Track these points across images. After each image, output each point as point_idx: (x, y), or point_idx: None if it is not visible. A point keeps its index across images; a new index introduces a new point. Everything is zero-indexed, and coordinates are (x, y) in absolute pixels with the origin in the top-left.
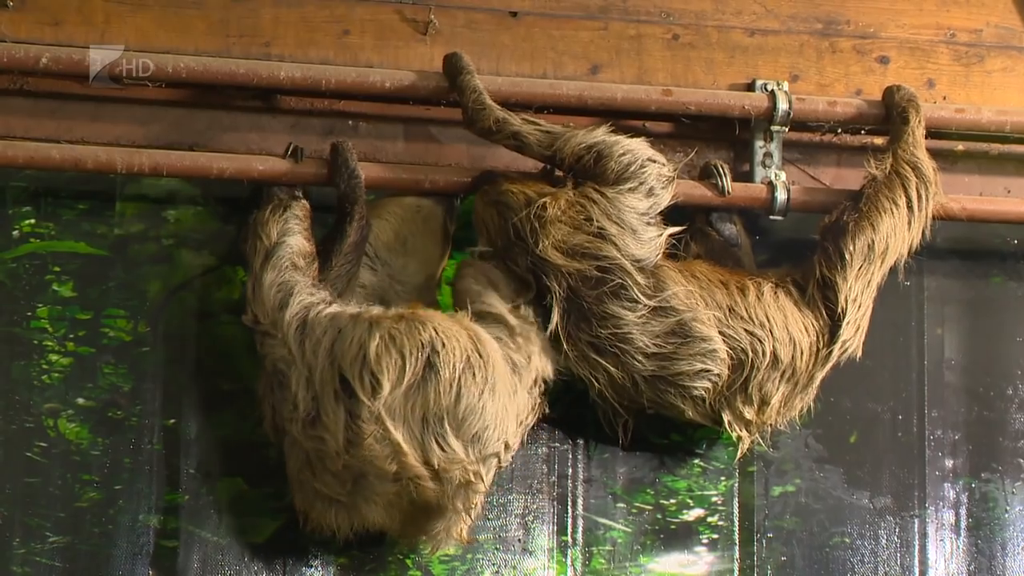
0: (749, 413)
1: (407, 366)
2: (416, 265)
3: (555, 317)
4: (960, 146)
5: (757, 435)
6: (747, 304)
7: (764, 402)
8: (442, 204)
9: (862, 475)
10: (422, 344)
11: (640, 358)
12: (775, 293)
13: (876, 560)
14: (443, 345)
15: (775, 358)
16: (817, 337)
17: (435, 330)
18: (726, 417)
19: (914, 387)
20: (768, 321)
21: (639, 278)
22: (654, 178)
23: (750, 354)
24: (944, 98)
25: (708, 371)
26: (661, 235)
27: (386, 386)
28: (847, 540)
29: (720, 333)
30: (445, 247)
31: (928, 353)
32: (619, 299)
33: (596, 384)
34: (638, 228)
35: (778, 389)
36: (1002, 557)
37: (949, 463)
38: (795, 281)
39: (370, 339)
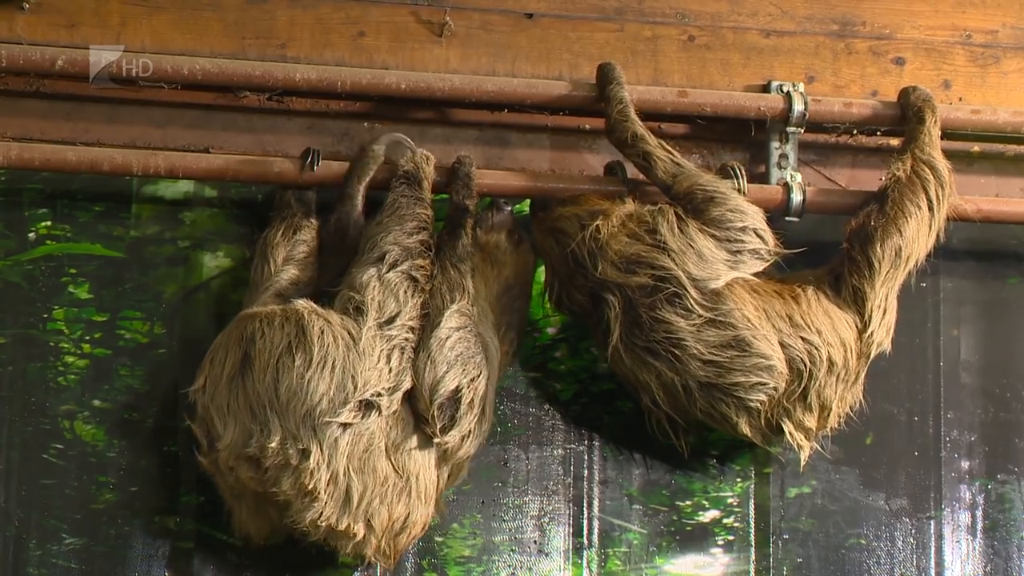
0: (810, 421)
1: (227, 360)
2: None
3: (615, 332)
4: (976, 147)
5: (814, 442)
6: (802, 311)
7: (824, 407)
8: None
9: (878, 476)
10: (243, 338)
11: (696, 363)
12: (818, 297)
13: (892, 562)
14: (261, 336)
15: (831, 363)
16: (858, 333)
17: (259, 322)
18: (787, 427)
19: (930, 388)
20: (821, 327)
21: (693, 292)
22: (748, 247)
23: (808, 364)
24: (960, 99)
25: (764, 384)
26: (729, 274)
27: (202, 380)
28: (863, 542)
29: (781, 344)
30: (485, 252)
31: (944, 354)
32: (672, 306)
33: (651, 390)
34: (707, 257)
35: (836, 393)
36: (1018, 559)
37: (965, 464)
38: (829, 282)
39: (218, 338)
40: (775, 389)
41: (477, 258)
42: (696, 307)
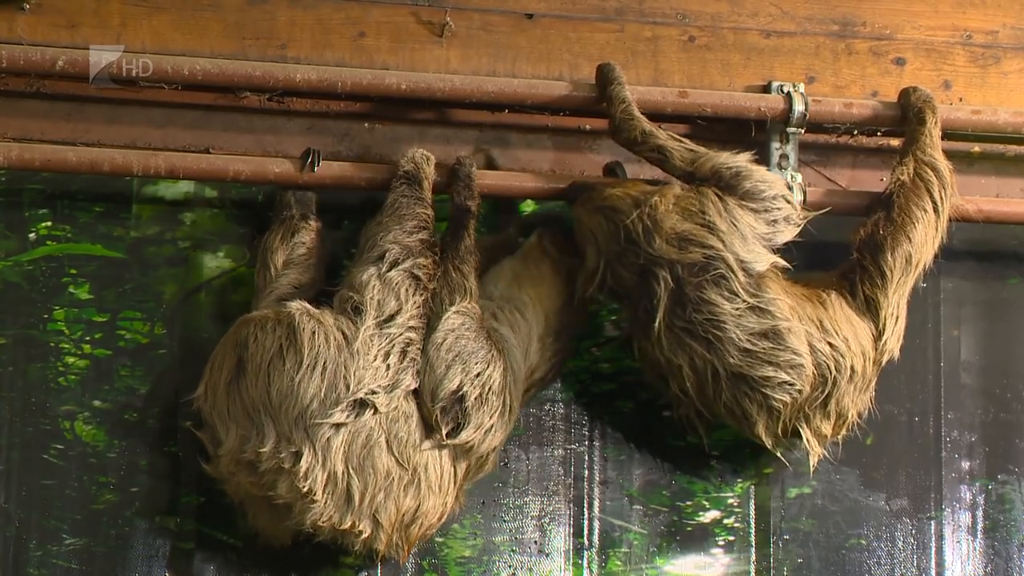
0: (826, 428)
1: (224, 366)
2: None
3: (660, 309)
4: (976, 147)
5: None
6: (830, 317)
7: (840, 415)
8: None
9: (878, 477)
10: (237, 343)
11: (732, 349)
12: (841, 303)
13: (892, 562)
14: (254, 340)
15: (852, 371)
16: (873, 341)
17: (252, 327)
18: (804, 433)
19: (930, 389)
20: (847, 334)
21: (740, 275)
22: (782, 214)
23: (833, 371)
24: (960, 99)
25: (791, 384)
26: (769, 257)
27: (203, 387)
28: (863, 542)
29: (810, 347)
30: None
31: (944, 355)
32: (719, 287)
33: (681, 376)
34: (748, 237)
35: (854, 402)
36: (1019, 559)
37: (965, 465)
38: (846, 288)
39: (217, 345)
40: (800, 392)
41: (548, 268)
42: (741, 291)
